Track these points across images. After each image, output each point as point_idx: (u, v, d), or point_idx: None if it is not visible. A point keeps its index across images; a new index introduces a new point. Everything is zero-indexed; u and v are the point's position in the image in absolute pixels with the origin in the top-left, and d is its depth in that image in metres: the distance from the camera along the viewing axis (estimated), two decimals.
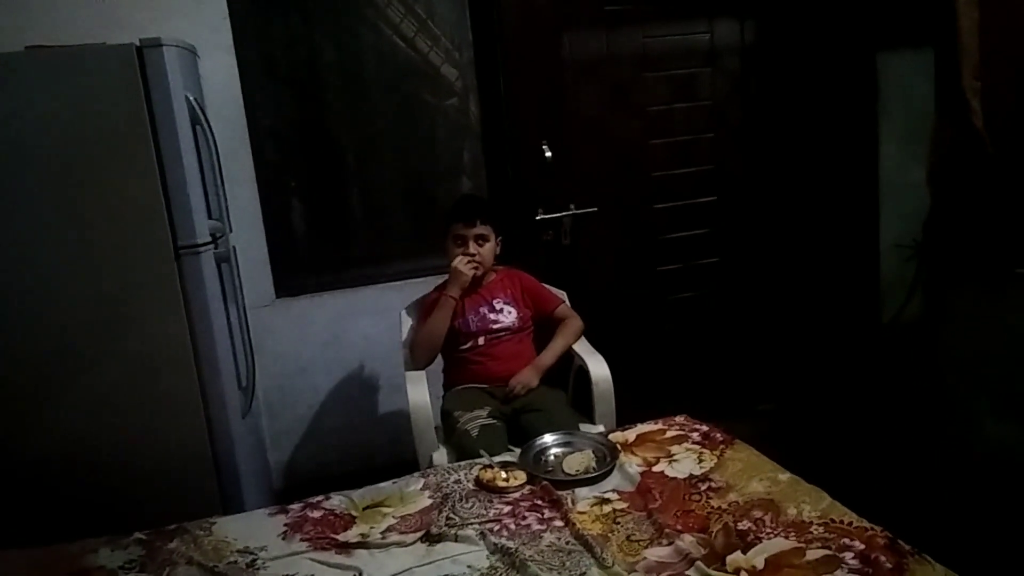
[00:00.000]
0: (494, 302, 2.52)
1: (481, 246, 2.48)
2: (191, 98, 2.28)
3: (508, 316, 2.51)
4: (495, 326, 2.49)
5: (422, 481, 1.94)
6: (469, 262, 2.45)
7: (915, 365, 2.88)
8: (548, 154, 3.03)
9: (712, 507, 1.71)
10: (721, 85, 3.34)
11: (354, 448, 3.07)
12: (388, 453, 2.96)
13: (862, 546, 1.49)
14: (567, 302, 2.66)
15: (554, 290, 2.68)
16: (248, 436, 2.55)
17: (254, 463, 2.64)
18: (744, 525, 1.61)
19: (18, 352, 2.17)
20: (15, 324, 2.16)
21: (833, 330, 3.52)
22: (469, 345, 2.49)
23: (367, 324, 3.02)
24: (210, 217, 2.33)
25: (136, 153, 2.15)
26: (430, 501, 1.84)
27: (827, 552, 1.48)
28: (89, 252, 2.17)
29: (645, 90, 3.24)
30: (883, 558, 1.44)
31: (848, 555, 1.47)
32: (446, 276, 2.51)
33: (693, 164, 3.36)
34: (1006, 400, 2.43)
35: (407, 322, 2.61)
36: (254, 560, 1.64)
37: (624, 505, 1.76)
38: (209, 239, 2.28)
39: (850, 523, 1.57)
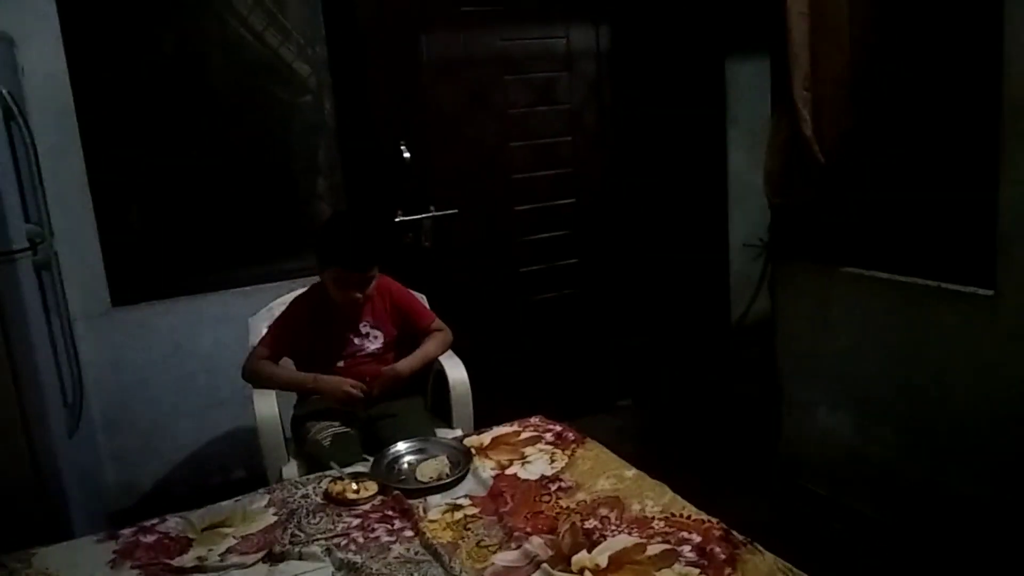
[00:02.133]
0: (360, 326, 2.36)
1: (367, 286, 2.25)
2: (4, 92, 2.08)
3: (374, 341, 2.37)
4: (359, 352, 2.36)
5: (267, 497, 1.85)
6: (357, 392, 2.22)
7: (760, 360, 3.04)
8: (407, 155, 2.99)
9: (561, 507, 1.72)
10: (578, 89, 3.41)
11: (203, 464, 2.92)
12: (241, 467, 2.83)
13: (699, 539, 1.54)
14: (436, 318, 2.51)
15: (416, 295, 2.59)
16: (77, 457, 2.36)
17: (85, 485, 2.46)
18: (591, 523, 1.63)
19: None
20: None
21: (687, 327, 3.67)
22: (327, 366, 2.32)
23: (213, 332, 2.88)
24: (27, 221, 2.14)
25: None
26: (275, 518, 1.76)
27: (666, 546, 1.53)
28: None
29: (504, 92, 3.26)
30: (718, 549, 1.49)
31: (686, 548, 1.51)
32: (297, 283, 2.41)
33: (552, 167, 3.41)
34: (836, 390, 2.61)
35: (255, 331, 2.47)
36: None
37: (475, 510, 1.74)
38: (26, 244, 2.09)
39: (689, 516, 1.63)
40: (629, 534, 1.58)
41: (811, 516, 2.61)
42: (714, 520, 1.61)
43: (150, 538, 1.70)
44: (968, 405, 2.20)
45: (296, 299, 2.41)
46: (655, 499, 1.71)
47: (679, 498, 1.72)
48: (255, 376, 2.29)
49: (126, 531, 1.73)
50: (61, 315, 2.35)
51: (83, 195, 2.70)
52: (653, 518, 1.64)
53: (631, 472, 1.86)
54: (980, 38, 2.04)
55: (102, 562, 1.61)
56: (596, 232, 3.53)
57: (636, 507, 1.69)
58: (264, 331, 2.43)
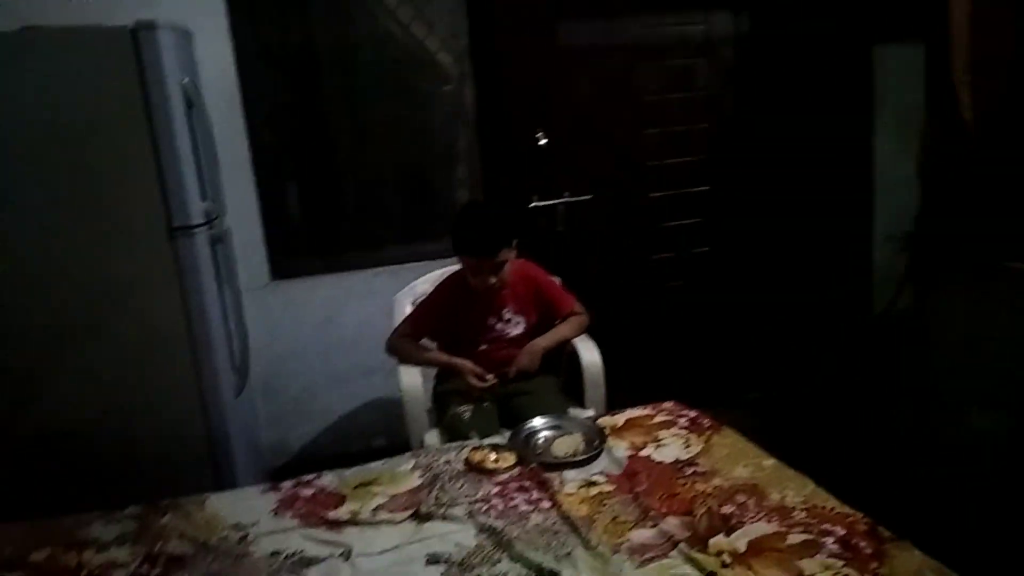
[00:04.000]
0: (504, 312, 2.43)
1: (500, 270, 2.27)
2: (186, 81, 2.29)
3: (516, 327, 2.44)
4: (502, 337, 2.43)
5: (412, 461, 1.96)
6: (481, 384, 2.31)
7: (905, 356, 2.91)
8: (543, 141, 3.04)
9: (697, 491, 1.72)
10: (716, 75, 3.35)
11: (347, 429, 3.10)
12: (381, 435, 2.99)
13: (843, 531, 1.51)
14: (576, 303, 2.54)
15: (555, 280, 2.63)
16: (241, 416, 2.57)
17: (247, 442, 2.67)
18: (728, 509, 1.63)
19: (13, 332, 2.19)
20: (9, 304, 2.18)
21: (825, 320, 3.54)
22: (470, 348, 2.42)
23: (361, 308, 3.04)
24: (204, 199, 2.34)
25: (131, 135, 2.16)
26: (420, 481, 1.86)
27: (808, 536, 1.50)
28: (83, 233, 2.19)
29: (640, 79, 3.25)
30: (863, 543, 1.46)
31: (829, 540, 1.49)
32: (437, 264, 2.50)
33: (687, 154, 3.37)
34: (992, 390, 2.46)
35: (400, 308, 2.61)
36: (245, 535, 1.66)
37: (611, 488, 1.77)
38: (203, 220, 2.29)
39: (832, 509, 1.59)
40: (768, 522, 1.57)
41: (960, 517, 2.48)
42: (859, 514, 1.57)
43: (308, 491, 1.84)
44: None
45: (442, 282, 2.49)
46: (796, 490, 1.69)
47: (821, 490, 1.68)
48: (397, 351, 2.43)
49: (287, 483, 1.88)
50: (232, 285, 2.56)
51: (247, 177, 2.91)
52: (794, 508, 1.61)
53: (769, 461, 1.84)
54: None
55: (266, 510, 1.76)
56: (731, 221, 3.47)
57: (775, 496, 1.67)
58: (408, 309, 2.57)
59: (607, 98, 3.22)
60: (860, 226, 3.53)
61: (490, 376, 2.32)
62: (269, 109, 3.00)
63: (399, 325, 2.49)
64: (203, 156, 2.40)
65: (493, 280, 2.28)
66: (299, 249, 3.10)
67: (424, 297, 2.57)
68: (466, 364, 2.34)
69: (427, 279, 2.66)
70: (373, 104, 3.12)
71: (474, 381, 2.31)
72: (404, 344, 2.42)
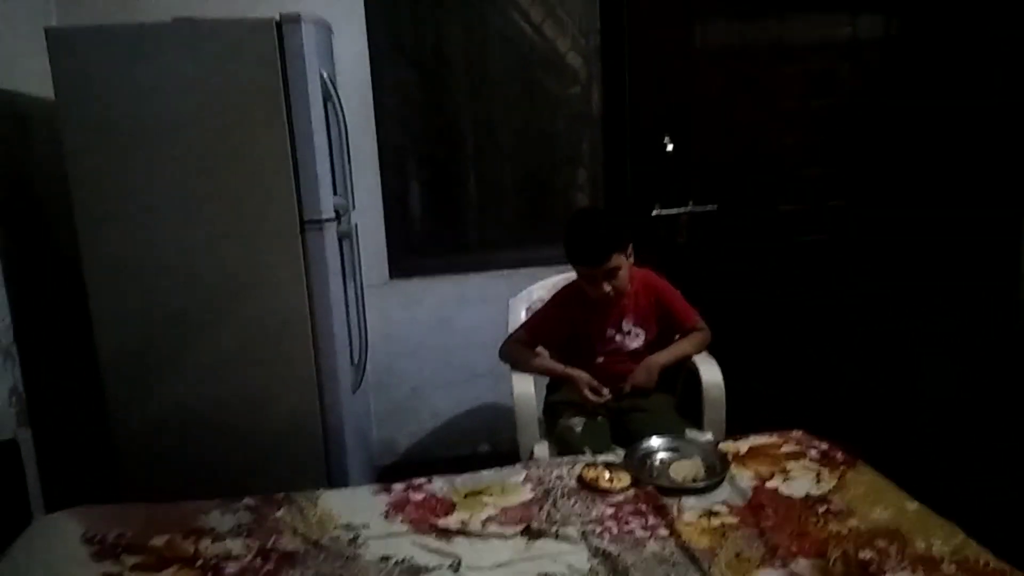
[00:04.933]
0: (623, 323, 2.34)
1: (614, 277, 2.21)
2: (325, 75, 2.32)
3: (636, 340, 2.36)
4: (620, 350, 2.36)
5: (524, 473, 1.91)
6: (596, 398, 2.25)
7: None
8: (669, 147, 2.94)
9: (831, 531, 1.60)
10: (860, 80, 3.14)
11: (454, 432, 3.10)
12: (486, 441, 2.97)
13: None
14: (699, 318, 2.45)
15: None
16: (357, 412, 2.60)
17: (360, 438, 2.70)
18: (866, 555, 1.50)
19: (143, 316, 2.27)
20: (142, 287, 2.25)
21: (972, 352, 3.26)
22: (588, 359, 2.35)
23: (475, 311, 3.03)
24: (335, 193, 2.37)
25: (270, 126, 2.21)
26: (531, 495, 1.81)
27: None
28: (218, 220, 2.25)
29: (777, 84, 3.07)
30: None
31: None
32: (555, 269, 2.44)
33: (824, 165, 3.17)
34: None
35: (515, 312, 2.57)
36: (356, 537, 1.66)
37: (734, 520, 1.67)
38: (333, 215, 2.32)
39: (986, 564, 1.44)
40: (913, 572, 1.43)
41: None
42: (1018, 572, 1.41)
43: (419, 496, 1.82)
44: None
45: (560, 289, 2.44)
46: (944, 539, 1.53)
47: (973, 541, 1.52)
48: (511, 358, 2.39)
49: (398, 486, 1.87)
50: (356, 281, 2.59)
51: (373, 174, 2.95)
52: (943, 560, 1.47)
53: (913, 505, 1.68)
54: None
55: (377, 512, 1.75)
56: (870, 238, 3.24)
57: (921, 544, 1.52)
58: (523, 314, 2.53)
59: (741, 103, 3.07)
60: (1011, 252, 3.24)
61: (606, 390, 2.25)
62: (397, 106, 3.03)
63: (515, 331, 2.45)
64: (337, 151, 2.43)
65: (608, 288, 2.21)
66: (418, 248, 3.13)
67: (541, 304, 2.52)
68: (582, 375, 2.27)
69: (544, 284, 2.62)
70: (500, 104, 3.11)
71: (589, 394, 2.24)
72: (519, 350, 2.38)
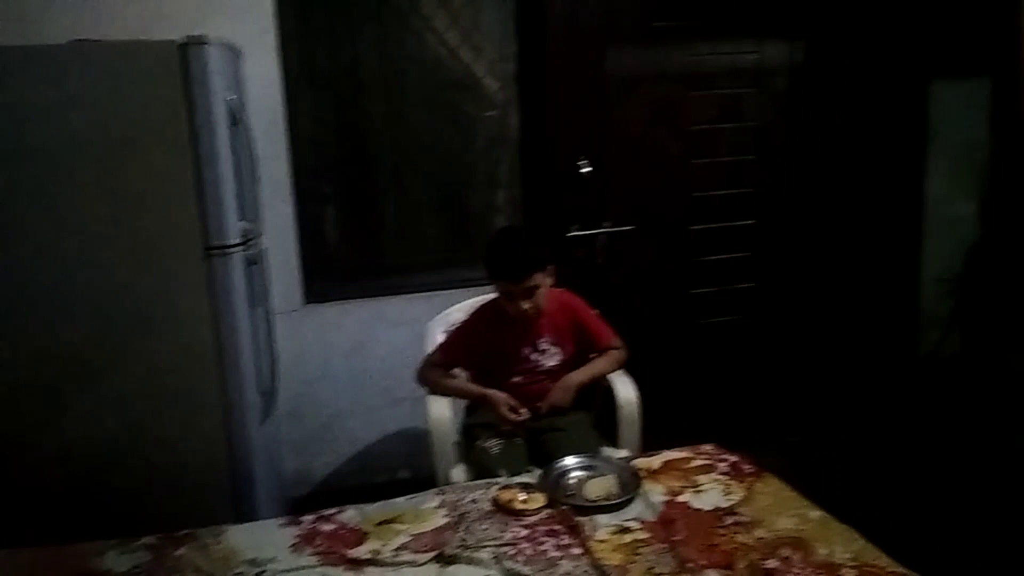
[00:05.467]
0: (539, 342, 2.34)
1: (533, 295, 2.22)
2: (231, 98, 2.28)
3: (552, 359, 2.36)
4: (536, 369, 2.36)
5: (438, 499, 1.88)
6: (515, 416, 2.22)
7: (954, 399, 2.76)
8: (586, 170, 2.99)
9: (738, 543, 1.62)
10: (767, 106, 3.27)
11: (372, 460, 3.04)
12: (406, 467, 2.92)
13: None
14: (615, 337, 2.46)
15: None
16: (266, 442, 2.53)
17: (270, 470, 2.62)
18: (771, 563, 1.53)
19: (41, 347, 2.17)
20: (40, 318, 2.16)
21: (869, 361, 3.40)
22: (504, 379, 2.34)
23: (393, 334, 2.99)
24: (243, 219, 2.32)
25: (172, 150, 2.15)
26: (445, 520, 1.78)
27: None
28: (118, 247, 2.17)
29: (689, 109, 3.18)
30: None
31: None
32: (472, 291, 2.45)
33: (734, 186, 3.29)
34: None
35: (432, 335, 2.55)
36: (261, 572, 1.59)
37: (646, 535, 1.68)
38: (240, 240, 2.27)
39: (883, 568, 1.49)
40: None
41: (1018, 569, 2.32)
42: (913, 574, 1.46)
43: (329, 527, 1.77)
44: None
45: (476, 309, 2.43)
46: (844, 545, 1.58)
47: (872, 546, 1.57)
48: (427, 381, 2.36)
49: (307, 517, 1.81)
50: (264, 308, 2.53)
51: (286, 199, 2.90)
52: (843, 565, 1.50)
53: (816, 513, 1.72)
54: None
55: (284, 545, 1.69)
56: (775, 256, 3.36)
57: (823, 551, 1.56)
58: (440, 337, 2.51)
59: (654, 127, 3.16)
60: (908, 266, 3.40)
61: (524, 410, 2.24)
62: (312, 130, 2.99)
63: (430, 353, 2.42)
64: (244, 175, 2.38)
65: (527, 306, 2.22)
66: (334, 272, 3.07)
67: (457, 324, 2.51)
68: (499, 395, 2.25)
69: (462, 306, 2.60)
70: (416, 128, 3.10)
71: (507, 413, 2.23)
72: (435, 373, 2.36)
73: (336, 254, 3.10)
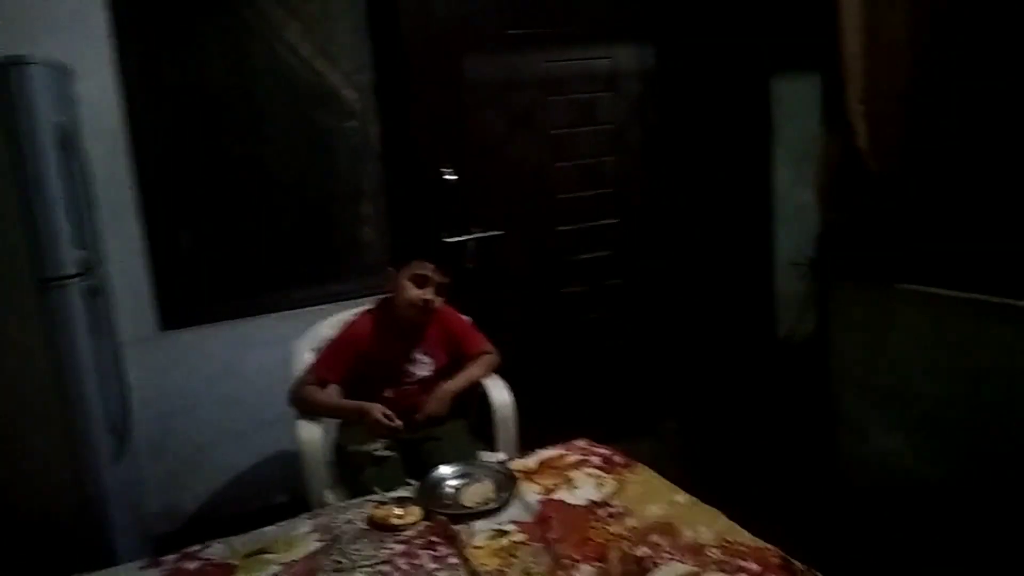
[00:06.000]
0: (412, 352, 2.35)
1: (439, 292, 2.29)
2: (61, 120, 2.14)
3: (423, 368, 2.35)
4: (407, 380, 2.33)
5: (310, 523, 1.82)
6: (387, 422, 2.16)
7: (808, 380, 2.94)
8: (451, 177, 2.99)
9: (611, 534, 1.66)
10: (622, 109, 3.38)
11: (246, 488, 2.92)
12: (282, 492, 2.82)
13: (756, 567, 1.47)
14: (487, 343, 2.49)
15: (465, 319, 2.56)
16: (123, 482, 2.37)
17: (130, 509, 2.46)
18: (642, 551, 1.57)
19: None
20: None
21: (731, 346, 3.57)
22: (378, 393, 2.29)
23: (261, 355, 2.88)
24: (79, 247, 2.17)
25: None
26: (318, 544, 1.73)
27: (722, 575, 1.46)
28: None
29: (548, 113, 3.24)
30: None
31: None
32: (343, 306, 2.39)
33: (596, 187, 3.37)
34: (893, 411, 2.49)
35: (299, 354, 2.46)
36: None
37: (522, 537, 1.69)
38: (77, 271, 2.12)
39: (745, 544, 1.56)
40: (683, 562, 1.52)
41: (868, 540, 2.49)
42: (771, 547, 1.54)
43: (193, 565, 1.68)
44: None
45: (354, 321, 2.36)
46: (708, 525, 1.65)
47: (734, 525, 1.65)
48: (301, 402, 2.28)
49: (170, 557, 1.72)
50: (110, 340, 2.38)
51: (134, 222, 2.74)
52: (707, 545, 1.57)
53: (682, 497, 1.79)
54: None
55: None
56: (640, 252, 3.48)
57: (689, 534, 1.62)
58: (309, 355, 2.43)
59: (516, 132, 3.20)
60: (762, 252, 3.60)
61: (399, 421, 2.20)
62: (160, 149, 2.83)
63: (303, 375, 2.34)
64: (79, 201, 2.23)
65: (432, 297, 2.23)
66: (192, 296, 2.91)
67: (328, 342, 2.45)
68: (373, 405, 2.19)
69: (331, 322, 2.54)
70: (275, 141, 3.00)
71: (381, 418, 2.14)
72: (308, 393, 2.28)
73: (195, 277, 2.94)
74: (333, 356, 2.32)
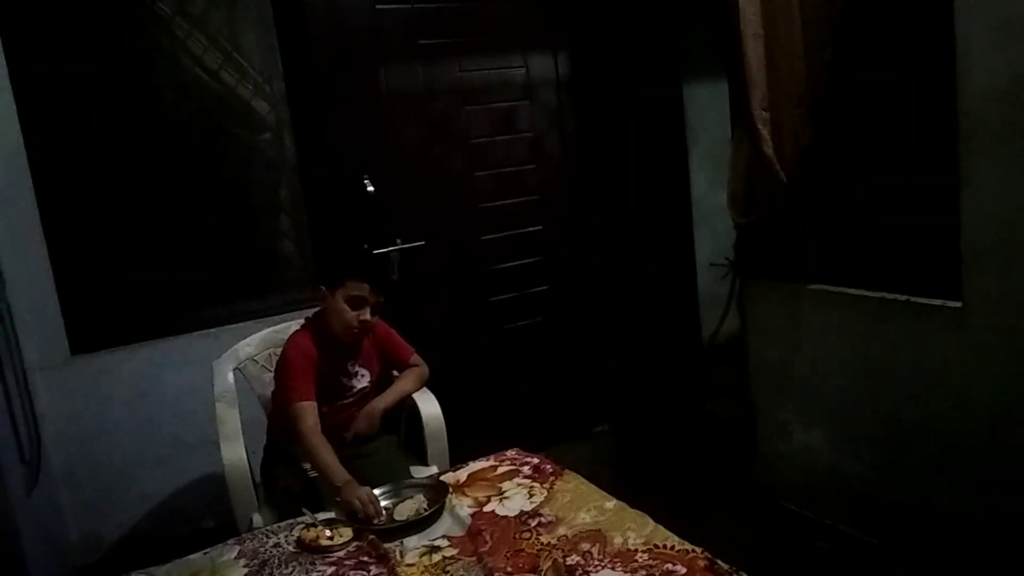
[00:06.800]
0: (349, 365, 2.28)
1: (375, 312, 2.18)
2: None
3: (361, 381, 2.29)
4: (345, 395, 2.27)
5: (237, 548, 1.78)
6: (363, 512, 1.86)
7: (733, 379, 3.04)
8: (370, 188, 2.96)
9: (542, 544, 1.68)
10: (540, 117, 3.42)
11: (170, 514, 2.82)
12: (210, 516, 2.74)
13: (683, 570, 1.51)
14: (415, 353, 2.43)
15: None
16: (37, 514, 2.27)
17: (46, 542, 2.36)
18: (573, 560, 1.60)
19: None
20: None
21: (659, 348, 3.66)
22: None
23: (179, 376, 2.80)
24: None
25: None
26: (246, 571, 1.69)
27: None
28: None
29: (466, 123, 3.25)
30: None
31: None
32: (263, 323, 2.34)
33: (517, 195, 3.40)
34: (810, 407, 2.60)
35: (221, 375, 2.37)
36: None
37: (454, 552, 1.70)
38: None
39: (672, 547, 1.60)
40: (613, 568, 1.55)
41: (792, 537, 2.59)
42: (698, 550, 1.58)
43: None
44: (941, 418, 2.20)
45: (296, 339, 2.22)
46: (637, 530, 1.68)
47: (661, 528, 1.69)
48: (308, 446, 2.03)
49: None
50: (14, 368, 2.26)
51: (38, 242, 2.62)
52: (636, 551, 1.60)
53: (612, 503, 1.82)
54: (934, 52, 2.07)
55: None
56: (564, 258, 3.52)
57: (619, 540, 1.65)
58: (230, 376, 2.36)
59: (435, 142, 3.20)
60: (684, 255, 3.70)
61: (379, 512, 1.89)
62: (63, 167, 2.71)
63: (300, 403, 2.08)
64: None
65: (367, 320, 2.15)
66: (104, 318, 2.79)
67: (251, 362, 2.40)
68: (360, 491, 1.90)
69: (251, 341, 2.48)
70: (183, 155, 2.91)
71: (358, 507, 1.86)
72: (315, 436, 2.03)
73: (105, 297, 2.82)
74: (302, 376, 2.14)
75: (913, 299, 2.24)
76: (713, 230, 3.65)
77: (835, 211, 2.46)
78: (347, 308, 2.14)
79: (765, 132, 2.39)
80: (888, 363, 2.32)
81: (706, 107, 3.73)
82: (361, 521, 1.84)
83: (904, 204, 2.28)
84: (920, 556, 2.28)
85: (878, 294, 2.33)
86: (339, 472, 1.98)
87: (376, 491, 1.94)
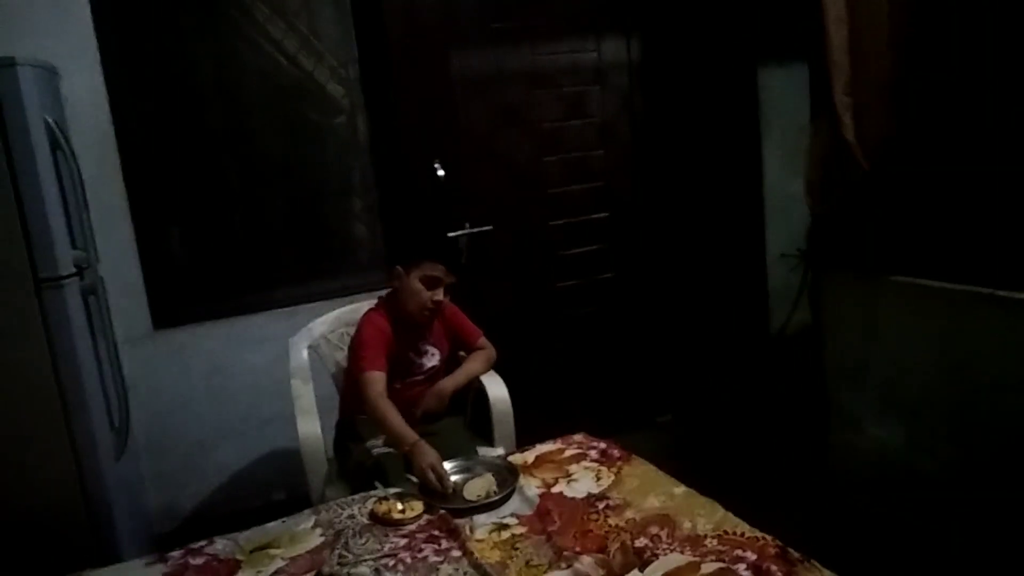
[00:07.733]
0: (420, 344, 2.33)
1: (448, 293, 2.25)
2: (51, 121, 2.13)
3: (431, 359, 2.35)
4: (416, 372, 2.33)
5: (313, 518, 1.84)
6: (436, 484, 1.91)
7: (802, 372, 2.98)
8: (441, 172, 2.99)
9: (610, 526, 1.69)
10: (610, 101, 3.40)
11: (244, 486, 2.93)
12: (281, 488, 2.83)
13: (754, 556, 1.50)
14: (482, 335, 2.47)
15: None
16: (124, 479, 2.38)
17: (132, 508, 2.48)
18: (641, 542, 1.60)
19: None
20: None
21: (726, 340, 3.61)
22: (388, 386, 2.20)
23: (255, 354, 2.89)
24: (74, 247, 2.17)
25: None
26: (322, 539, 1.75)
27: (721, 565, 1.49)
28: None
29: (536, 107, 3.25)
30: (774, 567, 1.45)
31: (741, 567, 1.47)
32: (337, 303, 2.38)
33: (586, 180, 3.39)
34: (886, 401, 2.54)
35: (296, 352, 2.45)
36: None
37: (523, 530, 1.72)
38: (73, 270, 2.12)
39: (742, 534, 1.59)
40: (682, 552, 1.55)
41: (863, 531, 2.54)
42: (769, 537, 1.57)
43: (199, 560, 1.70)
44: None
45: (370, 317, 2.28)
46: (707, 516, 1.68)
47: (731, 515, 1.68)
48: (375, 410, 2.09)
49: (175, 553, 1.73)
50: (107, 339, 2.38)
51: (125, 221, 2.74)
52: (705, 536, 1.60)
53: (680, 489, 1.82)
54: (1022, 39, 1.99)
55: None
56: (631, 245, 3.50)
57: (687, 525, 1.65)
58: (304, 353, 2.43)
59: (504, 127, 3.21)
60: (754, 245, 3.63)
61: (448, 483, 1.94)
62: (148, 148, 2.82)
63: (371, 375, 2.13)
64: (72, 201, 2.23)
65: (439, 300, 2.21)
66: (185, 295, 2.91)
67: (324, 340, 2.46)
68: (427, 453, 1.96)
69: (325, 320, 2.55)
70: (261, 138, 3.00)
71: (430, 477, 1.91)
72: (385, 404, 2.08)
73: (187, 275, 2.94)
74: (374, 349, 2.19)
75: (998, 292, 2.16)
76: (785, 220, 3.57)
77: (916, 201, 2.38)
78: (422, 288, 2.20)
79: (847, 118, 2.33)
80: (970, 358, 2.24)
81: (780, 93, 3.63)
82: (433, 495, 1.88)
83: (989, 194, 2.19)
84: (997, 560, 2.21)
85: (961, 287, 2.25)
86: (408, 433, 2.03)
87: (447, 464, 1.98)
